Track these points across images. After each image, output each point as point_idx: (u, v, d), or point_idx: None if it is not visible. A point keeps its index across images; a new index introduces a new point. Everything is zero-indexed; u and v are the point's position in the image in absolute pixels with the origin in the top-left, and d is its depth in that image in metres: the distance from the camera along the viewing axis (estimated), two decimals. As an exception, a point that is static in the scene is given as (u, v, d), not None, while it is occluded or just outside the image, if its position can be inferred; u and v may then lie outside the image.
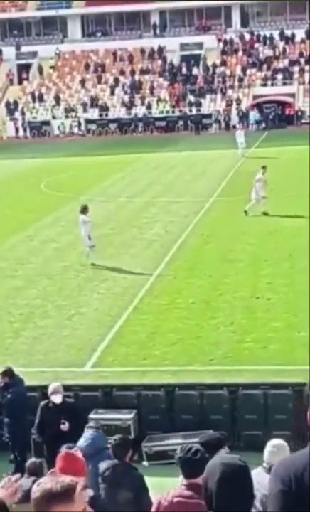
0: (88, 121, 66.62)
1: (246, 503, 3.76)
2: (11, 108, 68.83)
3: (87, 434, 10.02)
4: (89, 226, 23.66)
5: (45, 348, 16.92)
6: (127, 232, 27.85)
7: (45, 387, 12.43)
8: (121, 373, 15.37)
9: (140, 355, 16.25)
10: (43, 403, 12.08)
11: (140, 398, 13.28)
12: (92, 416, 12.79)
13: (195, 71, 70.57)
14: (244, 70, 69.18)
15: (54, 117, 67.68)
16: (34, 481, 4.05)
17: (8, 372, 12.57)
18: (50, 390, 11.98)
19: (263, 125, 63.00)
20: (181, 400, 13.22)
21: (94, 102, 68.31)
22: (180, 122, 65.33)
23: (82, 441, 9.84)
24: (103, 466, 8.74)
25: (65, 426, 11.66)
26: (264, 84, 67.60)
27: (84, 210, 23.97)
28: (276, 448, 7.10)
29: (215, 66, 70.17)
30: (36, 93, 70.07)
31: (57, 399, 11.86)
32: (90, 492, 4.04)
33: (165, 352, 16.30)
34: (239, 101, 65.91)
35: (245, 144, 45.12)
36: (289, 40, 70.89)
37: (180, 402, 13.22)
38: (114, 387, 13.56)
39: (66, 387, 12.91)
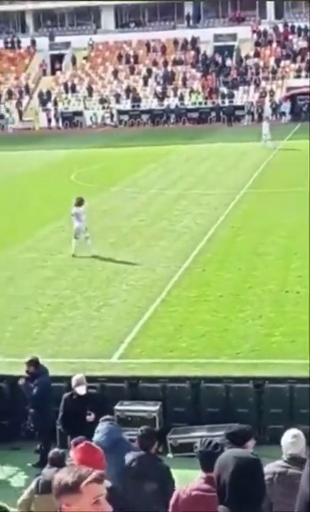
0: (120, 112, 66.59)
1: (259, 496, 3.78)
2: (44, 98, 69.02)
3: (102, 427, 10.05)
4: (84, 218, 23.96)
5: (72, 339, 17.00)
6: (157, 224, 27.86)
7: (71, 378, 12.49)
8: (148, 365, 15.42)
9: (167, 347, 16.28)
10: (66, 394, 12.14)
11: (166, 390, 13.31)
12: (117, 407, 12.86)
13: (228, 62, 70.30)
14: (277, 61, 68.79)
15: (86, 108, 67.77)
16: (56, 472, 4.10)
17: (34, 362, 12.65)
18: (73, 381, 12.05)
19: (295, 117, 62.61)
20: (207, 392, 13.23)
21: (126, 92, 68.33)
22: (213, 114, 65.08)
23: (98, 436, 9.86)
24: (129, 457, 8.78)
25: (90, 417, 11.72)
26: (298, 76, 67.18)
27: (80, 202, 24.22)
28: (296, 438, 7.06)
29: (248, 57, 69.86)
30: (69, 84, 70.20)
31: (81, 390, 11.92)
32: (107, 483, 4.05)
33: (192, 344, 16.31)
34: (272, 93, 65.56)
35: (270, 136, 44.90)
36: (324, 31, 70.36)
37: (205, 395, 13.23)
38: (140, 379, 13.60)
39: (92, 378, 12.99)
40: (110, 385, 13.44)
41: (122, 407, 12.92)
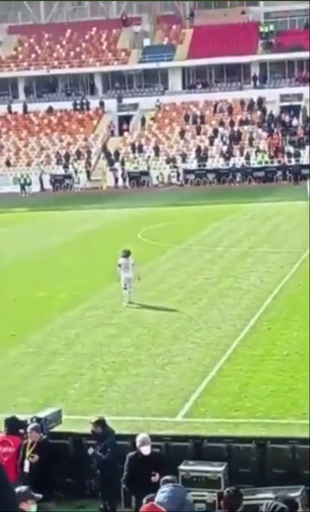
0: (186, 172, 67.17)
1: None
2: (111, 159, 70.04)
3: (166, 488, 9.81)
4: (133, 271, 25.10)
5: (137, 397, 16.91)
6: (223, 281, 27.79)
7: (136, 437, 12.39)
8: (213, 424, 15.23)
9: (232, 406, 16.08)
10: (131, 454, 12.02)
11: (231, 450, 13.09)
12: (181, 467, 12.67)
13: (294, 122, 70.63)
14: None
15: (153, 167, 68.49)
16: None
17: (101, 423, 12.57)
18: (138, 441, 11.93)
19: None
20: (273, 453, 12.97)
21: (193, 152, 68.90)
22: (279, 172, 65.21)
23: (161, 497, 9.60)
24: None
25: (155, 477, 11.56)
26: None
27: (127, 254, 25.54)
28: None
29: (314, 117, 70.11)
30: (136, 144, 71.18)
31: (145, 451, 11.80)
32: None
33: (257, 404, 16.09)
34: (339, 151, 65.53)
35: None
36: None
37: (271, 456, 12.97)
38: (205, 439, 13.40)
39: (157, 437, 12.85)
40: (174, 445, 13.27)
41: (187, 467, 12.72)
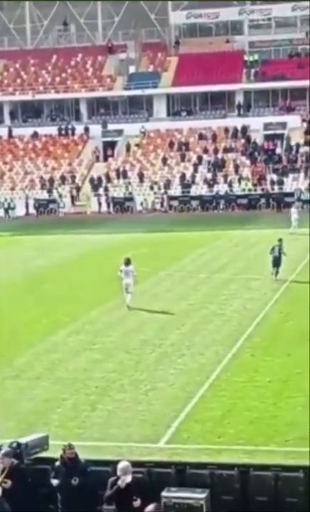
0: (170, 198, 67.37)
1: None
2: (96, 184, 70.17)
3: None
4: (133, 277, 27.75)
5: (120, 422, 16.84)
6: (206, 308, 27.81)
7: (118, 463, 12.32)
8: (196, 451, 15.18)
9: (215, 432, 16.05)
10: (112, 479, 11.95)
11: (213, 477, 13.03)
12: (164, 494, 12.59)
13: (278, 150, 71.07)
14: (327, 149, 69.39)
15: (137, 193, 68.67)
16: None
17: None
18: (119, 471, 11.86)
19: None
20: (256, 480, 12.92)
21: (177, 179, 69.13)
22: (262, 200, 65.54)
23: None
24: None
25: (137, 502, 11.53)
26: None
27: (128, 262, 28.22)
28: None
29: (298, 145, 70.57)
30: (121, 169, 71.38)
31: (126, 480, 11.76)
32: None
33: (240, 430, 16.06)
34: (322, 180, 65.98)
35: (296, 223, 46.85)
36: None
37: (254, 483, 12.92)
38: (188, 465, 13.33)
39: (139, 463, 12.78)
40: (157, 471, 13.19)
41: (169, 493, 12.64)
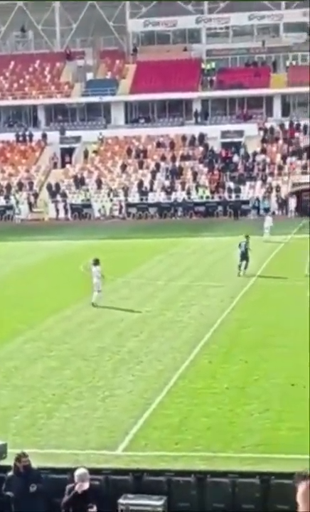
0: (128, 205, 67.46)
1: None
2: (53, 190, 69.98)
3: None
4: (100, 277, 29.36)
5: (77, 430, 16.77)
6: (163, 315, 27.83)
7: (76, 470, 12.27)
8: (153, 458, 15.15)
9: (172, 439, 16.04)
10: (69, 486, 11.90)
11: (171, 484, 13.03)
12: (121, 501, 12.58)
13: (235, 158, 71.49)
14: (284, 158, 69.93)
15: (95, 200, 68.61)
16: None
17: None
18: (76, 477, 11.81)
19: (301, 212, 63.25)
20: (213, 487, 12.95)
21: (135, 186, 69.20)
22: (220, 208, 65.92)
23: None
24: None
25: (93, 509, 11.50)
26: (304, 173, 68.19)
27: (96, 262, 29.82)
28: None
29: (255, 154, 71.04)
30: (78, 176, 71.27)
31: (84, 486, 11.71)
32: None
33: (198, 437, 16.07)
34: (278, 188, 66.42)
35: (269, 229, 47.11)
36: (329, 129, 71.74)
37: (211, 490, 12.94)
38: (145, 472, 13.32)
39: (96, 471, 12.75)
40: (114, 478, 13.17)
41: (126, 500, 12.63)
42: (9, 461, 13.22)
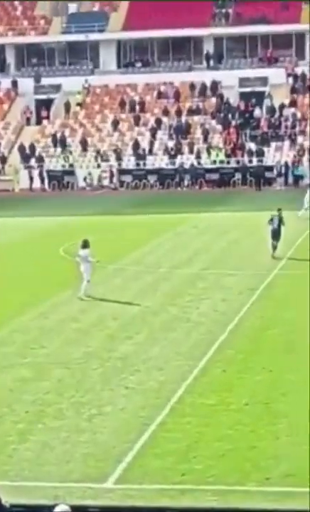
0: (122, 172, 67.36)
1: None
2: (27, 153, 69.90)
3: None
4: (90, 263, 29.85)
5: (56, 457, 16.82)
6: (167, 311, 27.85)
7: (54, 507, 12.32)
8: (153, 492, 15.21)
9: (177, 469, 16.09)
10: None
11: (175, 525, 13.11)
12: None
13: (257, 112, 71.35)
14: (319, 111, 69.89)
15: (79, 166, 68.54)
16: None
17: None
18: (55, 515, 11.85)
19: None
20: (229, 529, 13.03)
21: (130, 148, 69.14)
22: (237, 175, 65.80)
23: None
24: None
25: None
26: None
27: (85, 245, 30.24)
28: None
29: (282, 107, 70.93)
30: (58, 135, 71.15)
31: (65, 527, 11.76)
32: None
33: (209, 466, 16.12)
34: (312, 150, 66.44)
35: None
36: None
37: (227, 532, 13.02)
38: (144, 511, 13.40)
39: (81, 509, 12.78)
40: (104, 518, 13.25)
41: None
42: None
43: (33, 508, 12.85)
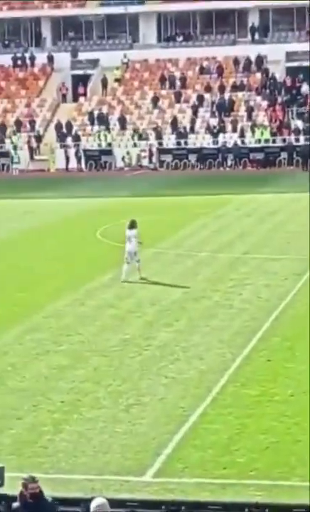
0: (161, 151, 67.29)
1: None
2: (63, 132, 69.97)
3: None
4: (136, 243, 30.13)
5: (93, 449, 16.87)
6: (208, 297, 27.84)
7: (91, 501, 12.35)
8: (193, 486, 15.23)
9: (219, 462, 16.10)
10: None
11: (217, 520, 13.11)
12: (152, 542, 12.68)
13: (304, 88, 71.01)
14: None
15: (118, 145, 68.53)
16: None
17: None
18: (92, 508, 11.86)
19: None
20: (272, 525, 13.01)
21: (170, 126, 69.06)
22: (283, 155, 65.57)
23: None
24: None
25: None
26: None
27: (133, 225, 30.44)
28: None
29: (331, 82, 70.60)
30: (95, 113, 71.17)
31: (101, 521, 11.78)
32: None
33: (252, 459, 16.11)
34: None
35: None
36: None
37: (270, 529, 13.00)
38: (183, 505, 13.40)
39: (119, 502, 12.82)
40: (142, 512, 13.28)
41: (158, 541, 12.74)
42: (8, 489, 13.36)
43: (69, 501, 12.91)
